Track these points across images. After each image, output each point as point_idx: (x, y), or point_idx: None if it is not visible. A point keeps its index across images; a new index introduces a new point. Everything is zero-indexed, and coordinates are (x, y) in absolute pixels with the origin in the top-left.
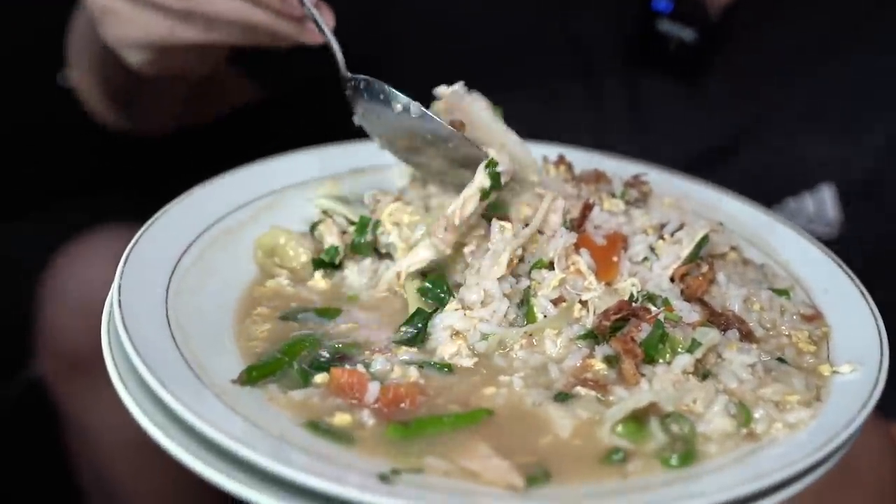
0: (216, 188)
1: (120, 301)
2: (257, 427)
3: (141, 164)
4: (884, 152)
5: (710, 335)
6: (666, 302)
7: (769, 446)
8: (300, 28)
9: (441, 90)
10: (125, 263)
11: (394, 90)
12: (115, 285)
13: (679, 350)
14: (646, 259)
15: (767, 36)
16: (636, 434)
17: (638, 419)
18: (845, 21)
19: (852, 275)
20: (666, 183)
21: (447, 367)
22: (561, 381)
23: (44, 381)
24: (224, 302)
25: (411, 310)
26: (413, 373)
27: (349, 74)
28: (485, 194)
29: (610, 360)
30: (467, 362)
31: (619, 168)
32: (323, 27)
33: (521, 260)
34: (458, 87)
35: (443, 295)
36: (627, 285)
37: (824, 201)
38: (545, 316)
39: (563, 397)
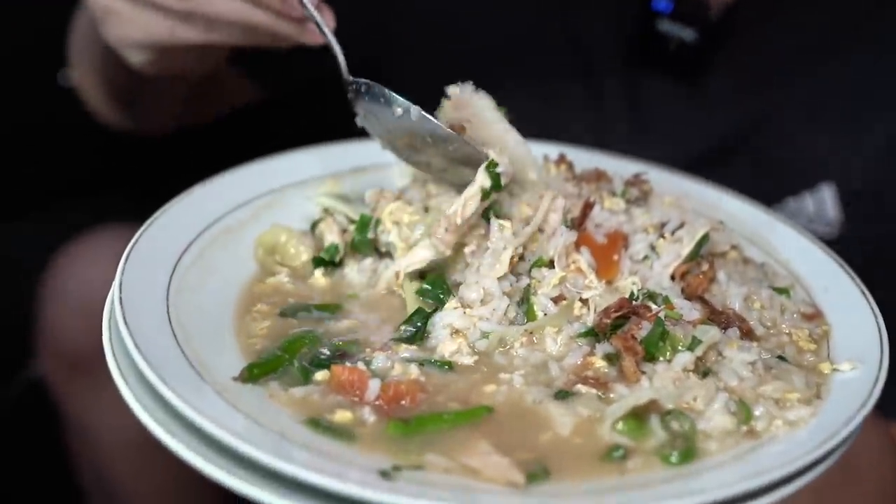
0: (217, 187)
1: (121, 298)
2: (258, 424)
3: (141, 164)
4: (884, 152)
5: (711, 333)
6: (666, 300)
7: (769, 444)
8: (301, 29)
9: (451, 90)
10: (126, 261)
11: (393, 94)
12: (116, 283)
13: (679, 348)
14: (646, 257)
15: (768, 36)
16: (636, 431)
17: (638, 416)
18: (845, 21)
19: (852, 273)
20: (666, 182)
21: (447, 365)
22: (561, 378)
23: (44, 381)
24: (224, 299)
25: (410, 310)
26: (413, 370)
27: (350, 77)
28: (486, 195)
29: (610, 358)
30: (468, 360)
31: (619, 167)
32: (323, 28)
33: (522, 258)
34: (467, 86)
35: (442, 295)
36: (628, 283)
37: (824, 201)
38: (545, 314)
39: (563, 395)
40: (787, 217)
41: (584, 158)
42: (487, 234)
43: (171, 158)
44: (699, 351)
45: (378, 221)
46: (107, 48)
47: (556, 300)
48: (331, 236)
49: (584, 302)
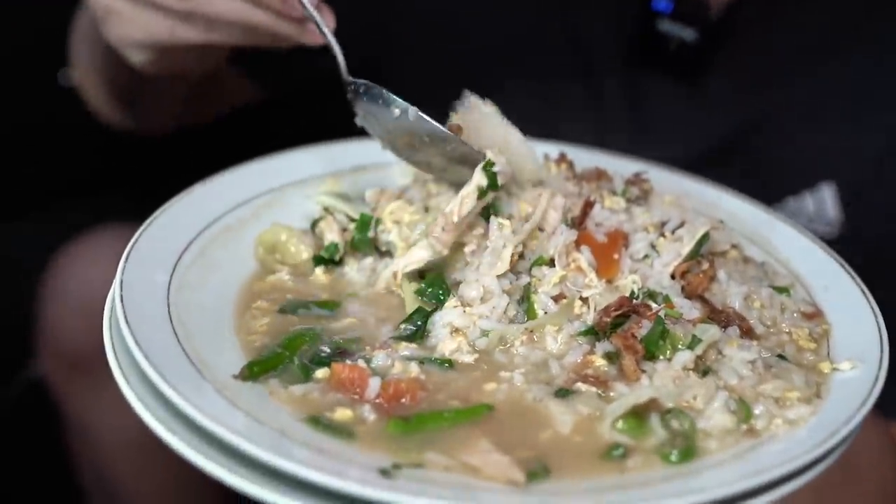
0: (217, 185)
1: (122, 297)
2: (258, 422)
3: (141, 164)
4: (884, 152)
5: (711, 332)
6: (666, 299)
7: (769, 442)
8: (301, 29)
9: (455, 117)
10: (127, 260)
11: (392, 94)
12: (116, 281)
13: (679, 347)
14: (646, 256)
15: (768, 36)
16: (636, 430)
17: (638, 415)
18: (845, 21)
19: (853, 273)
20: (666, 181)
21: (448, 363)
22: (561, 377)
23: (44, 380)
24: (225, 297)
25: (409, 310)
26: (414, 368)
27: (350, 78)
28: (482, 193)
29: (610, 357)
30: (468, 358)
31: (619, 166)
32: (323, 28)
33: (522, 257)
34: (469, 100)
35: (441, 295)
36: (628, 282)
37: (824, 200)
38: (546, 312)
39: (563, 393)
40: (787, 216)
41: (585, 157)
42: (487, 234)
43: (172, 158)
44: (699, 350)
45: (378, 221)
46: (108, 48)
47: (556, 299)
48: (331, 235)
49: (585, 300)
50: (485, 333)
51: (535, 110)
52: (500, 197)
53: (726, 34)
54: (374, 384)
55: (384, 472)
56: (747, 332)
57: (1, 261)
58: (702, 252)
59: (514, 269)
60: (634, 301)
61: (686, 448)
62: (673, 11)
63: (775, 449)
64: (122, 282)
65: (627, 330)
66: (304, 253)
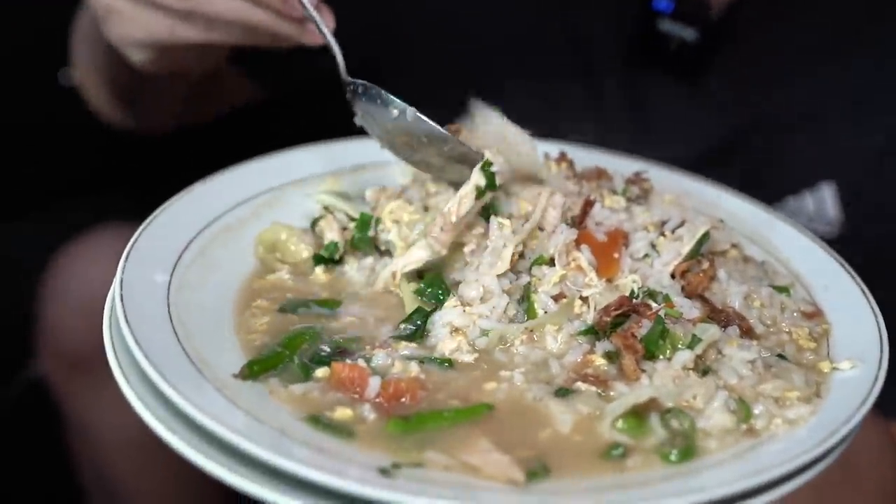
0: (217, 184)
1: (122, 296)
2: (258, 421)
3: (141, 164)
4: (884, 152)
5: (711, 331)
6: (666, 298)
7: (769, 442)
8: (300, 29)
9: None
10: (127, 259)
11: (390, 95)
12: (116, 280)
13: (679, 346)
14: (647, 256)
15: (768, 36)
16: (636, 429)
17: (638, 415)
18: (846, 21)
19: (853, 272)
20: (667, 180)
21: (448, 363)
22: (561, 376)
23: (45, 380)
24: (225, 296)
25: (408, 310)
26: (414, 368)
27: (349, 78)
28: (480, 193)
29: (610, 356)
30: (468, 358)
31: (620, 165)
32: (323, 29)
33: (522, 256)
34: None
35: (440, 295)
36: (628, 282)
37: (824, 200)
38: (546, 312)
39: (563, 392)
40: (787, 216)
41: (585, 157)
42: (487, 233)
43: (172, 158)
44: (699, 349)
45: (378, 220)
46: (108, 47)
47: (556, 298)
48: (331, 234)
49: (585, 300)
50: (485, 333)
51: (535, 110)
52: (500, 196)
53: (727, 34)
54: (374, 383)
55: (384, 472)
56: (747, 332)
57: (1, 261)
58: (702, 251)
59: (514, 269)
60: (634, 300)
61: (686, 447)
62: (673, 11)
63: (775, 448)
64: (122, 281)
65: (627, 329)
66: (305, 252)
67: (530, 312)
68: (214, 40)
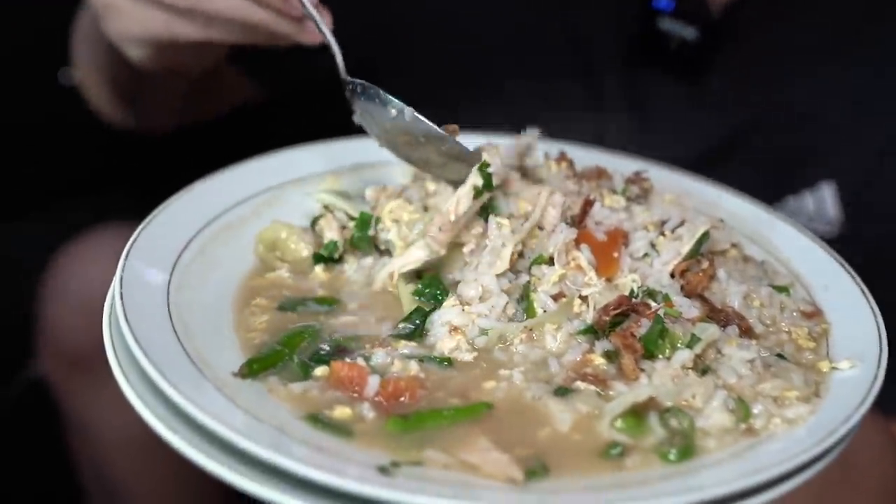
0: (217, 183)
1: (122, 294)
2: (258, 419)
3: (141, 163)
4: (884, 152)
5: (710, 331)
6: (666, 298)
7: (767, 441)
8: (299, 28)
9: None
10: (126, 258)
11: (388, 95)
12: (116, 279)
13: (678, 345)
14: (646, 255)
15: (769, 35)
16: (635, 429)
17: (637, 414)
18: (847, 21)
19: (853, 272)
20: (667, 180)
21: (447, 361)
22: (561, 375)
23: (45, 380)
24: (224, 294)
25: (406, 311)
26: (413, 367)
27: (348, 78)
28: (478, 192)
29: (610, 355)
30: (467, 357)
31: (620, 164)
32: (322, 27)
33: (521, 255)
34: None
35: (439, 295)
36: (628, 281)
37: (824, 200)
38: (545, 311)
39: (562, 392)
40: (787, 216)
41: (585, 156)
42: (486, 233)
43: (172, 157)
44: (698, 349)
45: (378, 219)
46: (109, 46)
47: (555, 297)
48: (330, 233)
49: (584, 299)
50: (484, 332)
51: (535, 110)
52: (499, 196)
53: (727, 33)
54: (374, 382)
55: (383, 470)
56: (746, 331)
57: (1, 261)
58: (701, 251)
59: (513, 268)
60: (634, 300)
61: (684, 447)
62: (674, 10)
63: (774, 448)
64: (121, 279)
65: (627, 329)
66: (304, 251)
67: (529, 311)
68: (213, 38)
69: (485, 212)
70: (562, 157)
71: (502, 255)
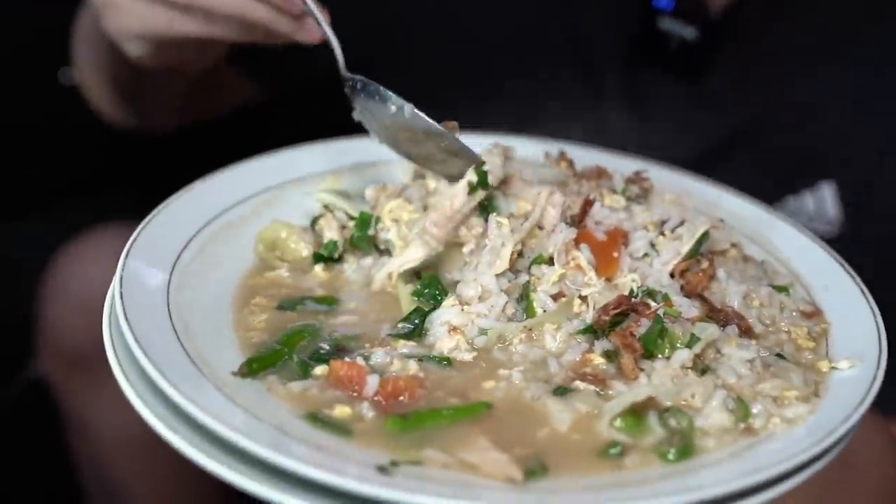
0: (217, 183)
1: (122, 294)
2: (257, 418)
3: (142, 163)
4: (884, 152)
5: (709, 330)
6: (666, 297)
7: (767, 441)
8: (298, 25)
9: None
10: (126, 257)
11: (388, 91)
12: (116, 278)
13: (678, 345)
14: (646, 255)
15: (769, 34)
16: (634, 428)
17: (636, 413)
18: (847, 21)
19: (852, 272)
20: (667, 179)
21: (446, 361)
22: (560, 375)
23: (45, 379)
24: (224, 293)
25: (405, 311)
26: (412, 366)
27: (348, 74)
28: (472, 189)
29: (609, 355)
30: (466, 356)
31: (620, 164)
32: (322, 25)
33: (521, 255)
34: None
35: (438, 295)
36: (627, 281)
37: (824, 199)
38: (545, 311)
39: (562, 391)
40: (787, 215)
41: (585, 156)
42: (485, 233)
43: (172, 157)
44: (697, 348)
45: (378, 219)
46: (109, 45)
47: (555, 297)
48: (330, 233)
49: (584, 299)
50: (483, 331)
51: (535, 110)
52: (499, 196)
53: (727, 33)
54: (373, 381)
55: (382, 470)
56: (746, 331)
57: (1, 261)
58: (701, 251)
59: (512, 268)
60: (633, 299)
61: (684, 446)
62: (674, 10)
63: (773, 447)
64: (121, 279)
65: (626, 328)
66: (304, 250)
67: (529, 311)
68: (212, 34)
69: (485, 211)
70: (562, 156)
71: (502, 255)
